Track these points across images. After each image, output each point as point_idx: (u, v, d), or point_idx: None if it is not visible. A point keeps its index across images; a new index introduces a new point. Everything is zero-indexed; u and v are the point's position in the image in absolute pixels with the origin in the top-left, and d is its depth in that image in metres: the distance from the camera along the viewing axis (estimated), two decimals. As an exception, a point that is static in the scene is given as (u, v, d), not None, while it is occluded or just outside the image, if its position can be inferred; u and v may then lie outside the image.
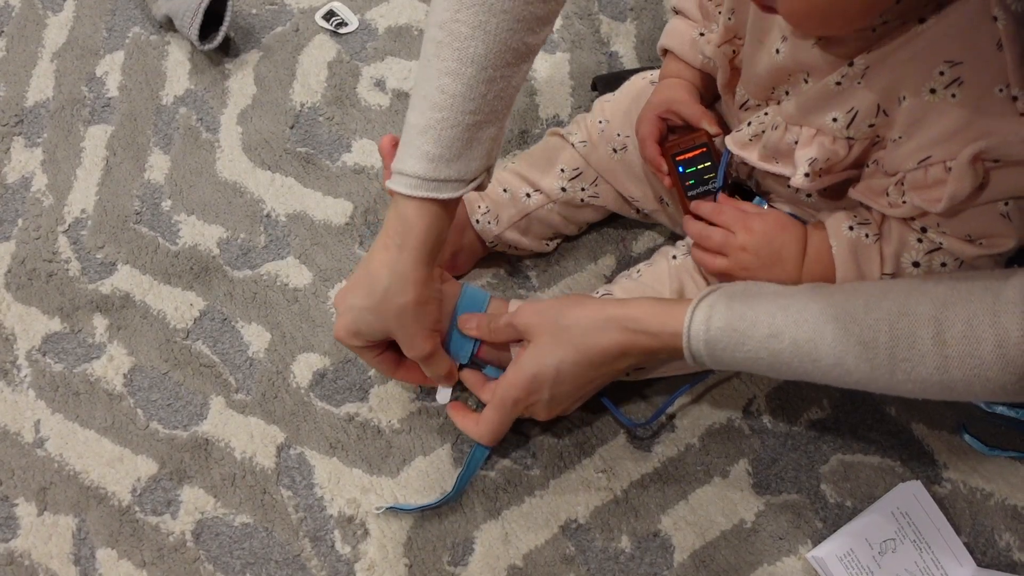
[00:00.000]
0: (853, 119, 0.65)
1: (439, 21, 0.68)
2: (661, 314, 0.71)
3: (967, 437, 0.84)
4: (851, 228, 0.71)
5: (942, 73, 0.59)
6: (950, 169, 0.61)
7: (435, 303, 0.76)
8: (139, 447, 0.88)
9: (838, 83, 0.64)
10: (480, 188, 0.74)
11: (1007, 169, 0.60)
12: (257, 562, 0.83)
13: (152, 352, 0.92)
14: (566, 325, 0.73)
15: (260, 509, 0.85)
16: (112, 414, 0.90)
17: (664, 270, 0.82)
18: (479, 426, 0.78)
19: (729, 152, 0.78)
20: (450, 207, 0.73)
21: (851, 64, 0.63)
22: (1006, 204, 0.63)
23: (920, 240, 0.68)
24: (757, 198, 0.80)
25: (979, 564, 0.79)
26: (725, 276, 0.76)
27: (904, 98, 0.62)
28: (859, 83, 0.64)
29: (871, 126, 0.65)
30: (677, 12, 0.85)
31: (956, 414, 0.85)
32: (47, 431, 0.89)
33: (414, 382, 0.82)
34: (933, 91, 0.60)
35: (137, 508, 0.85)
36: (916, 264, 0.69)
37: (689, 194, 0.82)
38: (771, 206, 0.80)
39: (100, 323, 0.94)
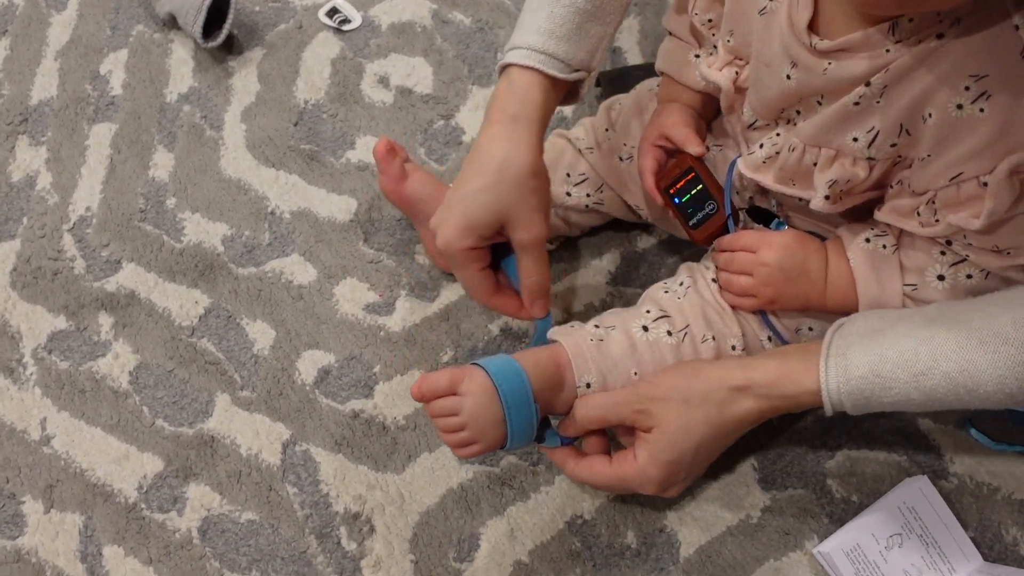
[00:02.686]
0: (874, 139, 0.64)
1: None
2: (793, 373, 0.68)
3: (973, 432, 0.83)
4: (868, 240, 0.71)
5: (968, 88, 0.58)
6: (985, 184, 0.60)
7: (547, 182, 0.74)
8: (145, 444, 0.88)
9: (856, 103, 0.63)
10: (575, 98, 0.77)
11: None
12: (263, 559, 0.83)
13: (157, 349, 0.93)
14: (695, 404, 0.69)
15: (266, 506, 0.85)
16: (118, 411, 0.90)
17: (706, 288, 0.79)
18: (580, 468, 0.74)
19: (731, 182, 0.78)
20: (555, 89, 0.74)
21: (868, 84, 0.62)
22: None
23: (943, 253, 0.67)
24: (776, 220, 0.79)
25: (986, 559, 0.79)
26: (750, 296, 0.75)
27: (930, 115, 0.61)
28: (878, 102, 0.62)
29: (893, 146, 0.64)
30: (670, 33, 0.84)
31: (962, 409, 0.85)
32: (53, 429, 0.89)
33: (508, 312, 0.78)
34: (960, 107, 0.59)
35: (143, 505, 0.85)
36: (941, 278, 0.68)
37: (691, 223, 0.81)
38: (791, 226, 0.78)
39: (105, 321, 0.94)
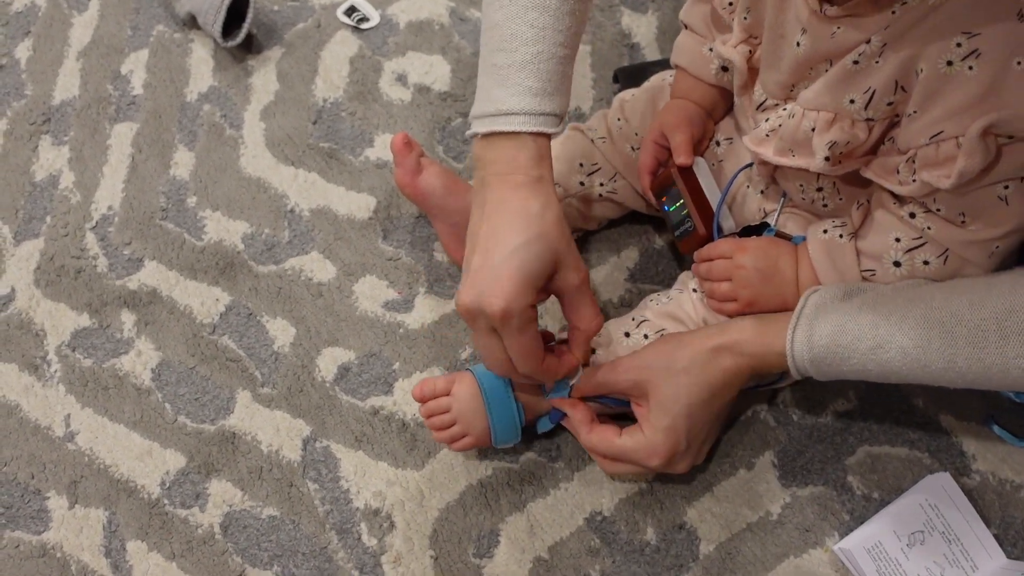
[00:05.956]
0: (871, 99, 0.64)
1: None
2: (762, 335, 0.71)
3: (996, 428, 0.83)
4: (825, 231, 0.73)
5: (959, 45, 0.58)
6: (961, 145, 0.60)
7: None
8: (167, 441, 0.89)
9: (855, 62, 0.64)
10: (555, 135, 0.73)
11: (1019, 146, 0.59)
12: (284, 554, 0.83)
13: (179, 347, 0.93)
14: (681, 368, 0.72)
15: (287, 502, 0.85)
16: (140, 408, 0.91)
17: (687, 299, 0.81)
18: (593, 436, 0.76)
19: (722, 204, 0.80)
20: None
21: (868, 42, 0.62)
22: (1006, 187, 0.62)
23: (898, 239, 0.68)
24: (768, 229, 0.80)
25: (1009, 556, 0.78)
26: (731, 299, 0.77)
27: (921, 70, 0.61)
28: (877, 61, 0.63)
29: (889, 104, 0.64)
30: (686, 26, 0.85)
31: (984, 405, 0.85)
32: (77, 425, 0.90)
33: (554, 376, 0.74)
34: (950, 63, 0.59)
35: (166, 501, 0.86)
36: (897, 264, 0.69)
37: (676, 233, 0.83)
38: (780, 232, 0.79)
39: (128, 318, 0.95)
